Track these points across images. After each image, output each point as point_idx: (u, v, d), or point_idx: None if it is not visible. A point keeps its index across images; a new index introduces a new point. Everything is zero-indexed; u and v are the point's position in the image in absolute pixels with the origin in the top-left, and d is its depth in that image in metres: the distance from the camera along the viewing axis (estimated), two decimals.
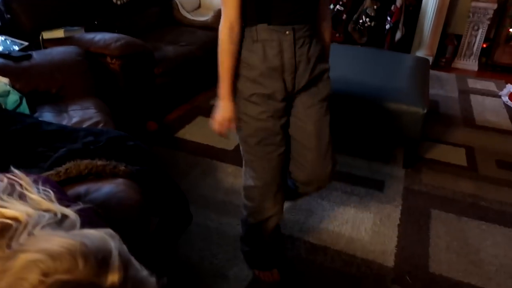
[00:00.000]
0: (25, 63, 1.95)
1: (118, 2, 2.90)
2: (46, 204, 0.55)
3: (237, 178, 2.06)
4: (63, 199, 0.60)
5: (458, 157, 2.39)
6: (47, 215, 0.51)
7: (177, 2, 3.40)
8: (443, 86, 3.47)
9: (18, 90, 1.82)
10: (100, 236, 0.47)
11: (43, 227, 0.48)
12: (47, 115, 1.77)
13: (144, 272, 0.48)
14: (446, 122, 2.83)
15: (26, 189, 0.58)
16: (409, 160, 2.27)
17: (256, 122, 1.26)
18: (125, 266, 0.45)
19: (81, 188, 1.18)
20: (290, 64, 1.21)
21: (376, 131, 2.29)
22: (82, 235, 0.47)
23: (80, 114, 1.79)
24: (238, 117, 1.28)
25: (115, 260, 0.44)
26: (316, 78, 1.29)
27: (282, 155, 1.32)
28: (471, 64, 3.93)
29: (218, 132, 1.32)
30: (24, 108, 1.66)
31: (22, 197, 0.56)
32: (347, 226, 1.79)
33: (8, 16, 2.34)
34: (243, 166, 1.38)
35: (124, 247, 0.48)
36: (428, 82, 2.50)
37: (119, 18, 2.95)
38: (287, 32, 1.18)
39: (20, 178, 0.60)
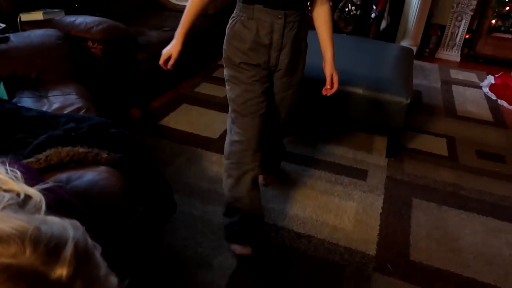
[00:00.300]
0: (2, 46, 1.88)
1: None
2: (10, 184, 0.52)
3: (221, 167, 2.03)
4: (31, 179, 0.57)
5: (439, 147, 2.44)
6: (7, 195, 0.48)
7: None
8: (427, 77, 3.51)
9: None
10: (60, 224, 0.44)
11: (2, 208, 0.46)
12: (27, 101, 1.72)
13: (104, 271, 0.44)
14: (429, 112, 2.87)
15: None
16: (392, 149, 2.29)
17: (243, 85, 1.44)
18: (79, 260, 0.42)
19: (62, 176, 1.15)
20: (277, 43, 1.39)
21: (360, 120, 2.31)
22: (40, 220, 0.43)
23: (61, 100, 1.75)
24: (229, 80, 1.47)
25: (68, 252, 0.41)
26: (297, 59, 1.48)
27: (263, 116, 1.48)
28: (454, 55, 3.98)
29: (160, 62, 1.50)
30: (2, 93, 1.61)
31: None
32: (330, 215, 1.81)
33: None
34: (229, 124, 1.53)
35: (88, 241, 0.45)
36: (412, 72, 2.52)
37: (101, 0, 2.87)
38: (279, 16, 1.35)
39: None
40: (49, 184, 0.57)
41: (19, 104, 1.66)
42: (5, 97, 1.62)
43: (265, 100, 1.48)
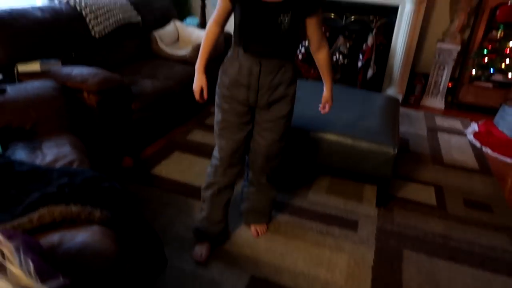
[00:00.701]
0: None
1: (97, 35, 2.91)
2: (26, 281, 0.54)
3: None
4: (44, 272, 0.59)
5: (428, 195, 2.48)
6: None
7: (156, 35, 3.43)
8: (413, 124, 3.61)
9: None
10: None
11: None
12: (20, 153, 1.73)
13: None
14: (416, 160, 2.94)
15: (8, 259, 0.57)
16: (381, 199, 2.33)
17: (223, 114, 1.68)
18: None
19: (54, 237, 1.15)
20: (254, 86, 1.59)
21: (349, 169, 2.34)
22: None
23: (54, 152, 1.76)
24: (216, 106, 1.71)
25: None
26: (277, 100, 1.64)
27: (240, 143, 1.71)
28: (438, 102, 4.13)
29: (197, 99, 1.71)
30: None
31: (2, 269, 0.56)
32: (322, 268, 1.80)
33: None
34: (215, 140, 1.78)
35: None
36: (398, 122, 2.60)
37: (97, 50, 2.96)
38: (256, 63, 1.55)
39: (3, 246, 0.60)
40: (60, 281, 0.59)
41: (12, 157, 1.67)
42: None
43: (243, 130, 1.70)
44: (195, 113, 3.38)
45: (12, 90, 1.99)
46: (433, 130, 3.52)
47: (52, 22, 2.60)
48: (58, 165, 1.67)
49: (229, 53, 1.64)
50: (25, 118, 1.90)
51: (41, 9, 2.62)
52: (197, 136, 3.00)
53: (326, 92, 1.83)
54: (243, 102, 1.64)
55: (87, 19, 2.86)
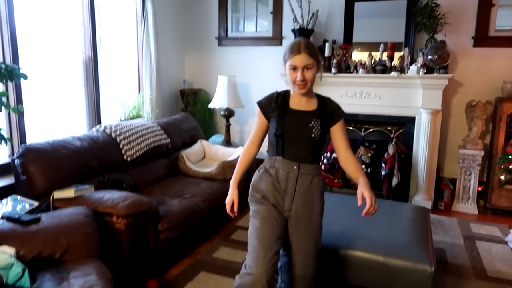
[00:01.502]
0: (33, 227, 1.98)
1: (128, 159, 3.09)
2: None
3: None
4: None
5: None
6: None
7: (183, 155, 3.62)
8: (447, 232, 3.46)
9: (21, 257, 1.82)
10: None
11: None
12: (48, 285, 1.72)
13: None
14: (457, 274, 2.74)
15: None
16: None
17: (261, 217, 1.74)
18: None
19: None
20: (291, 189, 1.74)
21: None
22: None
23: (80, 283, 1.75)
24: (251, 215, 1.79)
25: None
26: (310, 206, 1.76)
27: (276, 254, 1.71)
28: (471, 208, 3.98)
29: (228, 211, 1.84)
30: (26, 281, 1.63)
31: None
32: None
33: (24, 177, 2.47)
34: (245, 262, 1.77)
35: None
36: (431, 235, 2.50)
37: (129, 172, 3.11)
38: (294, 167, 1.74)
39: None
40: None
41: None
42: (27, 284, 1.64)
43: (279, 238, 1.72)
44: (221, 228, 3.36)
45: (46, 218, 2.08)
46: (470, 239, 3.34)
47: (88, 150, 2.81)
48: None
49: (264, 164, 1.82)
50: (56, 247, 1.95)
51: (79, 138, 2.85)
52: (224, 253, 2.94)
53: (363, 188, 1.69)
54: (279, 206, 1.76)
55: (121, 145, 3.08)
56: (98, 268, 1.91)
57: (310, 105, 1.78)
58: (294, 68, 1.69)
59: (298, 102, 1.78)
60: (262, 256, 1.66)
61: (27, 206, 2.28)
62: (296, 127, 1.74)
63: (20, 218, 2.01)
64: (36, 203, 2.33)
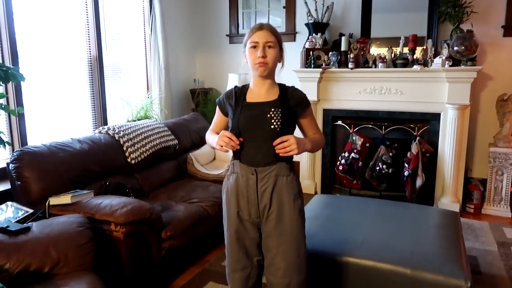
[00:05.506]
0: (22, 238, 1.81)
1: (133, 162, 2.92)
2: None
3: None
4: None
5: None
6: None
7: (192, 156, 3.43)
8: (478, 238, 3.16)
9: (6, 271, 1.65)
10: None
11: None
12: None
13: None
14: (492, 285, 2.46)
15: None
16: None
17: (228, 234, 1.66)
18: None
19: None
20: (253, 196, 1.57)
21: None
22: None
23: None
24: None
25: None
26: (279, 213, 1.57)
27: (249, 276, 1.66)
28: (503, 211, 3.67)
29: (232, 146, 1.54)
30: None
31: None
32: None
33: (19, 183, 2.32)
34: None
35: None
36: (464, 245, 2.23)
37: (133, 175, 2.94)
38: (252, 174, 1.56)
39: None
40: None
41: None
42: None
43: (250, 257, 1.64)
44: None
45: (36, 227, 1.91)
46: (504, 245, 3.04)
47: (89, 153, 2.65)
48: None
49: (227, 176, 1.67)
50: (45, 260, 1.77)
51: (79, 141, 2.70)
52: None
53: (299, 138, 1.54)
54: (246, 216, 1.61)
55: (124, 147, 2.91)
56: (91, 282, 1.73)
57: (271, 95, 1.61)
58: (254, 46, 1.55)
59: (257, 94, 1.62)
60: (233, 271, 1.66)
61: (20, 214, 2.12)
62: (252, 121, 1.56)
63: (8, 227, 1.85)
64: (30, 211, 2.17)
